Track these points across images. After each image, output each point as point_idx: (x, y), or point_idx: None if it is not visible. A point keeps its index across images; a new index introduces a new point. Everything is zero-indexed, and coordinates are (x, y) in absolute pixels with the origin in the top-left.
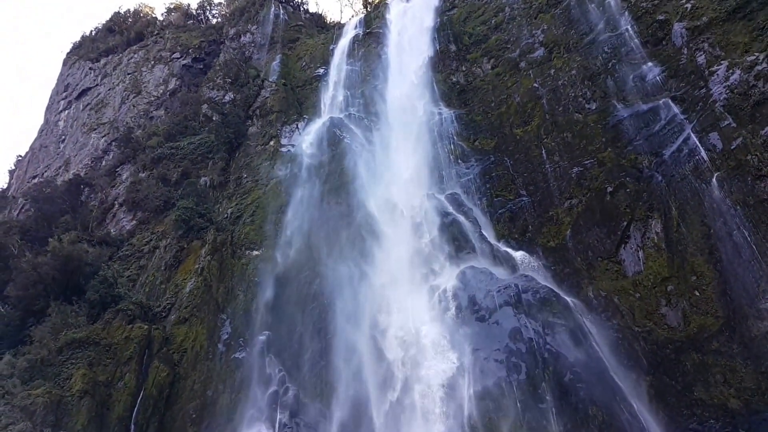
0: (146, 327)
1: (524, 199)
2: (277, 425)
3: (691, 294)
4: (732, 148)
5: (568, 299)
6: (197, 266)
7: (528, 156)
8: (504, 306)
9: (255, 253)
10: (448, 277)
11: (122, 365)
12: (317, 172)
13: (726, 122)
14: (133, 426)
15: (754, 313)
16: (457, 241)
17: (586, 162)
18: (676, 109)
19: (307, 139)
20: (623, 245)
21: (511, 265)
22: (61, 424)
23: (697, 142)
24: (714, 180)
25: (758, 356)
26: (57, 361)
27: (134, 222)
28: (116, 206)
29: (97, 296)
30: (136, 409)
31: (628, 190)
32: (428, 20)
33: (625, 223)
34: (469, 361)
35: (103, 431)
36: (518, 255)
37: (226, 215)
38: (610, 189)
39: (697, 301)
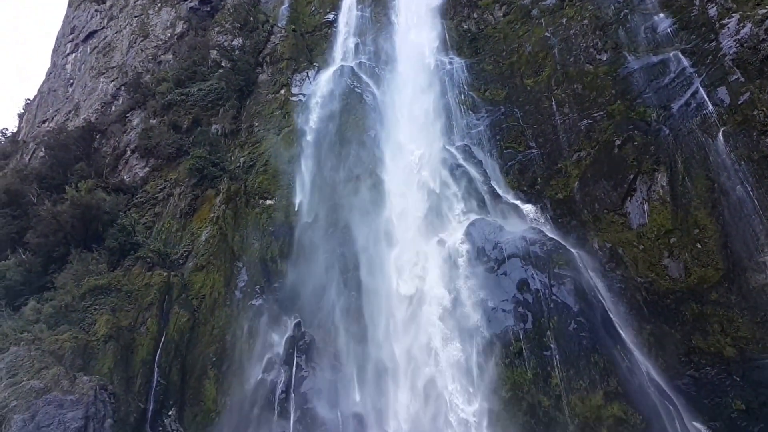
0: (165, 274)
1: (533, 151)
2: (294, 368)
3: (693, 246)
4: (739, 103)
5: (574, 251)
6: (212, 215)
7: (538, 107)
8: (512, 258)
9: (268, 202)
10: (458, 229)
11: (144, 311)
12: (328, 121)
13: (734, 77)
14: (156, 368)
15: (753, 266)
16: (467, 193)
17: (595, 114)
18: (685, 62)
19: (317, 87)
20: (629, 198)
21: (519, 217)
22: (88, 367)
23: (705, 96)
24: (720, 135)
25: (755, 307)
26: (81, 307)
27: (147, 169)
28: (128, 153)
29: (117, 244)
30: (158, 352)
31: (635, 143)
32: None
33: (631, 176)
34: (477, 310)
35: (128, 373)
36: (527, 207)
37: (238, 164)
38: (618, 142)
39: (698, 253)
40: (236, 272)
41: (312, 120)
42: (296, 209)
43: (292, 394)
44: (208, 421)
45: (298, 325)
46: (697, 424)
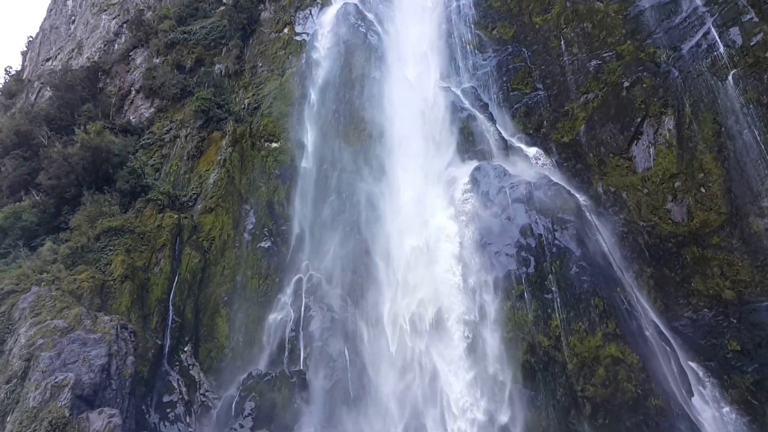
0: (176, 216)
1: (540, 93)
2: (302, 309)
3: (697, 190)
4: (751, 44)
5: (578, 196)
6: (219, 157)
7: (546, 47)
8: (516, 203)
9: (274, 145)
10: (463, 172)
11: (156, 252)
12: (332, 62)
13: (748, 16)
14: (171, 307)
15: (756, 211)
16: (471, 137)
17: (604, 55)
18: (698, 1)
19: (321, 26)
20: (635, 141)
21: (524, 161)
22: (106, 306)
23: (717, 37)
24: (730, 77)
25: (755, 251)
26: (96, 248)
27: (152, 109)
28: (133, 93)
29: (128, 186)
30: (172, 291)
31: (644, 85)
32: None
33: (639, 119)
34: (480, 254)
35: (145, 311)
36: (532, 151)
37: (243, 106)
38: (626, 84)
39: (702, 197)
40: (244, 215)
41: (315, 61)
42: (301, 152)
43: (302, 333)
44: (221, 356)
45: (305, 267)
46: (693, 364)
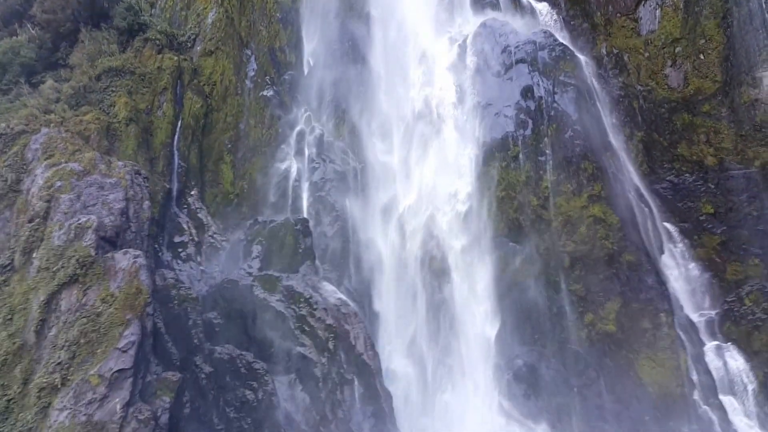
0: (176, 58)
1: None
2: (305, 159)
3: (696, 57)
4: None
5: (581, 57)
6: None
7: None
8: (519, 63)
9: None
10: (469, 28)
11: (159, 95)
12: None
13: None
14: (176, 151)
15: (749, 81)
16: None
17: None
18: None
19: None
20: (643, 2)
21: (532, 16)
22: (113, 149)
23: None
24: None
25: (742, 121)
26: (98, 88)
27: None
28: None
29: (125, 23)
30: (176, 136)
31: None
32: None
33: None
34: (481, 114)
35: (150, 154)
36: (540, 6)
37: None
38: None
39: (700, 64)
40: (245, 60)
41: None
42: None
43: (305, 183)
44: (227, 202)
45: (308, 118)
46: (668, 225)
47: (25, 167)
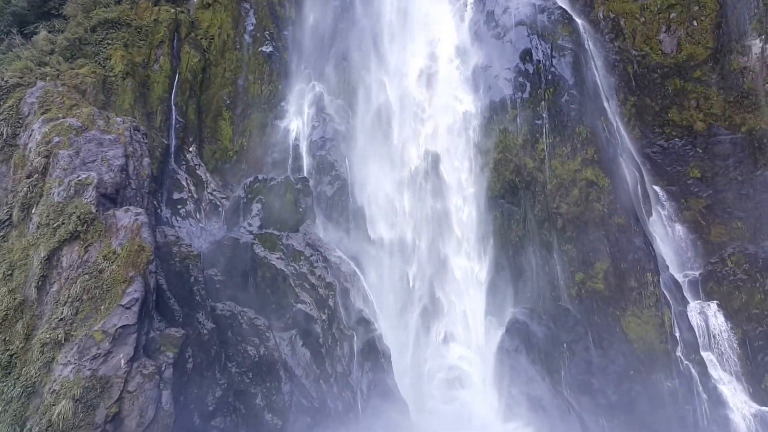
0: (172, 10)
1: None
2: (304, 118)
3: (690, 23)
4: None
5: (579, 21)
6: None
7: None
8: (519, 26)
9: None
10: None
11: (155, 48)
12: None
13: None
14: (173, 106)
15: (739, 49)
16: None
17: None
18: None
19: None
20: None
21: None
22: (110, 103)
23: None
24: None
25: (731, 87)
26: (93, 41)
27: None
28: None
29: None
30: (173, 91)
31: None
32: None
33: None
34: (480, 76)
35: (147, 109)
36: None
37: None
38: None
39: (693, 30)
40: (244, 14)
41: None
42: None
43: (305, 142)
44: (226, 158)
45: (308, 75)
46: (657, 188)
47: (21, 121)
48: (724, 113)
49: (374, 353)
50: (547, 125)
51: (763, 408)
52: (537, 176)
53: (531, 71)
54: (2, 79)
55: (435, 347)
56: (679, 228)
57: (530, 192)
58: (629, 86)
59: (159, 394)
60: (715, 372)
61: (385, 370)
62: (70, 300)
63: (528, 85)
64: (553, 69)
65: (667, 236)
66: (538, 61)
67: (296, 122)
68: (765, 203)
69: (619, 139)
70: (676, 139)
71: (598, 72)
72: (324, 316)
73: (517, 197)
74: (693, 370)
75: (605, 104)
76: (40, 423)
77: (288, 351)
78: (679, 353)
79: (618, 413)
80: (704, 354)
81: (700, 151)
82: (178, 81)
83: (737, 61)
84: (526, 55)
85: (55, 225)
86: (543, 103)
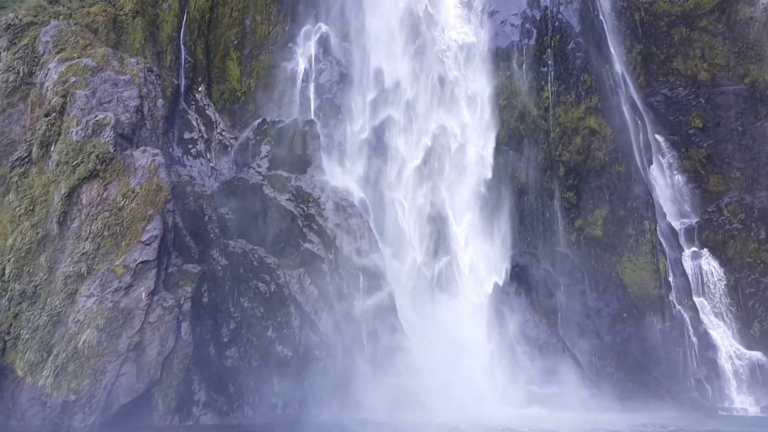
0: None
1: None
2: (312, 60)
3: None
4: None
5: None
6: None
7: None
8: None
9: None
10: None
11: None
12: None
13: None
14: (182, 46)
15: None
16: None
17: None
18: None
19: None
20: None
21: None
22: (121, 42)
23: None
24: None
25: (736, 38)
26: None
27: None
28: None
29: None
30: (182, 30)
31: None
32: None
33: None
34: (487, 23)
35: (157, 48)
36: None
37: None
38: None
39: None
40: None
41: None
42: None
43: (312, 84)
44: (234, 99)
45: (314, 16)
46: (659, 137)
47: (36, 60)
48: (728, 64)
49: (379, 290)
50: (552, 73)
51: (751, 352)
52: (541, 124)
53: (538, 17)
54: (17, 17)
55: (438, 285)
56: (678, 177)
57: (534, 140)
58: (635, 34)
59: (178, 325)
60: (706, 317)
61: (390, 307)
62: (91, 236)
63: (534, 31)
64: (560, 16)
65: (667, 185)
66: (546, 7)
67: (303, 64)
68: (764, 154)
69: (624, 87)
70: (680, 89)
71: (606, 19)
72: (331, 256)
73: (521, 144)
74: (685, 315)
75: (612, 52)
76: (66, 350)
77: (297, 288)
78: (672, 298)
79: (610, 354)
80: (696, 299)
81: (703, 101)
82: (186, 20)
83: (743, 12)
84: (533, 1)
85: (74, 163)
86: (549, 50)
